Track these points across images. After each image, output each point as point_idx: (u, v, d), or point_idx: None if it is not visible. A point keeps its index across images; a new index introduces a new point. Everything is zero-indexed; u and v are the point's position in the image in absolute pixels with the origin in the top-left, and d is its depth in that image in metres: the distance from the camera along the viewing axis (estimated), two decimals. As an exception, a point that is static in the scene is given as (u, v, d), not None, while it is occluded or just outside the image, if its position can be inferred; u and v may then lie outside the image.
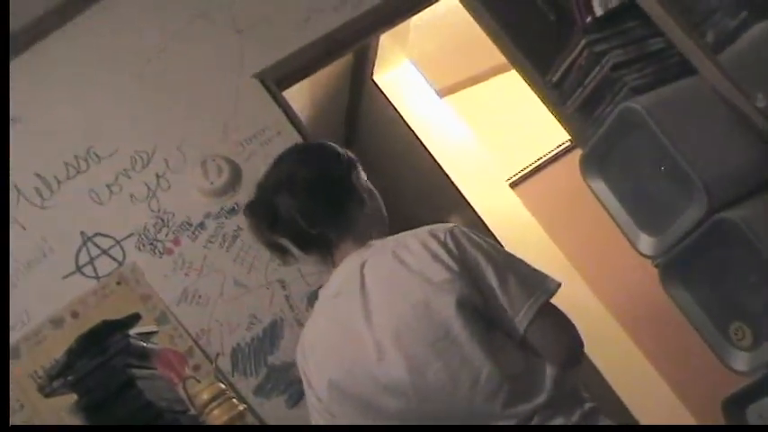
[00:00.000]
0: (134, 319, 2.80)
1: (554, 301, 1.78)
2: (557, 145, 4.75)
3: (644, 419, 3.89)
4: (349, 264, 1.89)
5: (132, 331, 2.74)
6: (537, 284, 1.77)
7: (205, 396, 2.78)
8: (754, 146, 2.49)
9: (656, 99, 2.58)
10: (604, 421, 1.69)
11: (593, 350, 4.05)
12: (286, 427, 3.32)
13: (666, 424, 3.92)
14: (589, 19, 2.77)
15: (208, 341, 3.45)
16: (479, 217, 4.46)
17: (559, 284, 1.78)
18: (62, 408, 2.69)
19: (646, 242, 2.69)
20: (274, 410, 3.38)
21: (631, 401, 3.98)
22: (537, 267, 1.82)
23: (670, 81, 2.67)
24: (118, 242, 3.52)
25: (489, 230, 4.32)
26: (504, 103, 5.17)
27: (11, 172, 3.41)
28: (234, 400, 2.85)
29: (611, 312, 4.35)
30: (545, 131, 4.28)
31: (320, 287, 2.01)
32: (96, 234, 3.52)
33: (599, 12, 2.73)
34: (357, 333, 1.80)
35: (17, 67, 3.47)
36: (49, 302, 3.43)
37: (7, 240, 3.33)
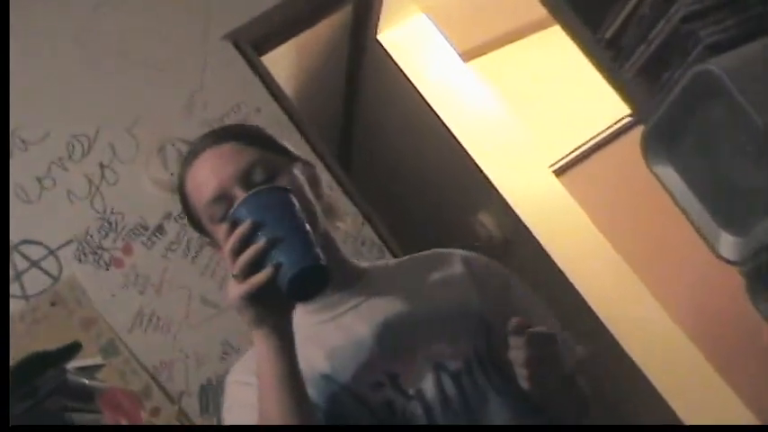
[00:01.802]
0: (73, 349, 2.79)
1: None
2: (612, 121, 4.72)
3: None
4: None
5: (71, 365, 2.73)
6: None
7: (165, 449, 2.77)
8: None
9: (740, 60, 2.55)
10: None
11: (652, 357, 4.14)
12: (284, 427, 3.32)
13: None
14: (652, -43, 2.74)
15: (170, 377, 3.47)
16: (515, 213, 4.44)
17: None
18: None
19: (728, 244, 2.65)
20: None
21: (693, 411, 4.02)
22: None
23: (756, 37, 2.63)
24: (52, 252, 3.53)
25: (528, 230, 4.31)
26: (545, 68, 5.16)
27: None
28: (202, 452, 2.85)
29: (677, 322, 4.35)
30: (597, 104, 4.24)
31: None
32: (23, 241, 3.52)
33: (664, -52, 2.71)
34: None
35: None
36: (-35, 329, 3.43)
37: (7, 240, 3.40)
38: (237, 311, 1.65)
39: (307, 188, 1.83)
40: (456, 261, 1.96)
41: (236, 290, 1.61)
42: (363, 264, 1.99)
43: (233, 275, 1.61)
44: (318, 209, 1.85)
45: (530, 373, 1.66)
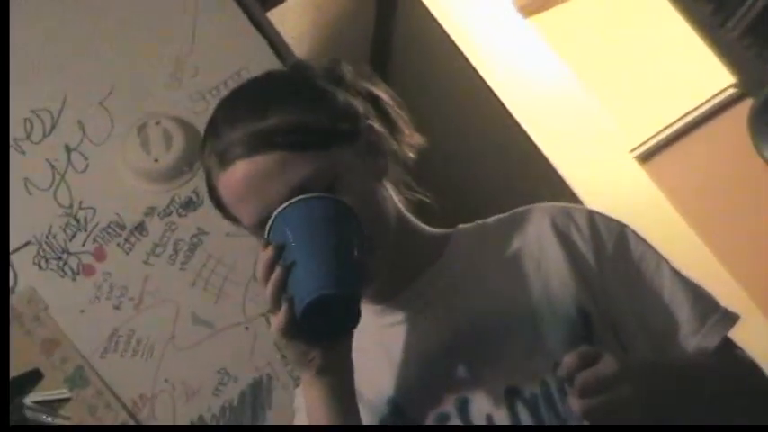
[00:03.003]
0: (33, 379, 2.81)
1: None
2: (711, 94, 4.70)
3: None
4: None
5: (29, 399, 2.74)
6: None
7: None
8: None
9: None
10: None
11: None
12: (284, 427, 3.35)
13: None
14: None
15: (151, 413, 3.47)
16: (585, 206, 4.44)
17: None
18: None
19: None
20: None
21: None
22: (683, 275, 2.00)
23: None
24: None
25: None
26: (621, 27, 5.14)
27: None
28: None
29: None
30: (691, 72, 4.23)
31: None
32: (-32, 243, 3.54)
33: None
34: None
35: None
36: None
37: (7, 237, 3.46)
38: (279, 350, 1.71)
39: (370, 180, 1.85)
40: (548, 233, 1.93)
41: (272, 325, 1.66)
42: (445, 230, 2.01)
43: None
44: (385, 192, 1.88)
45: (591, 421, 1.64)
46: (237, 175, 1.73)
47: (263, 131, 1.72)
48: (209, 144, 1.80)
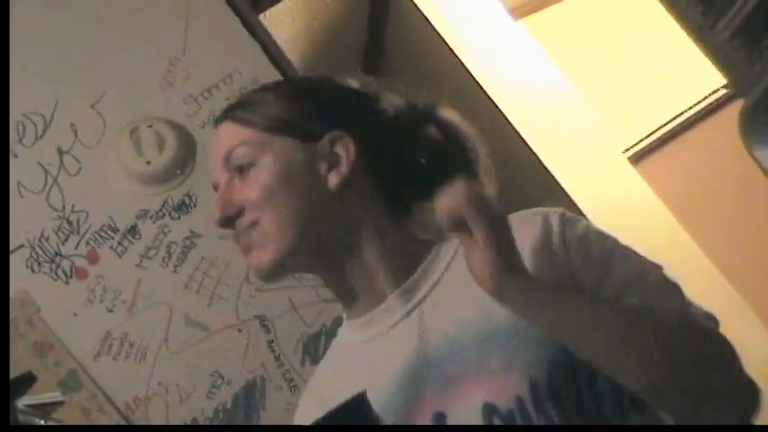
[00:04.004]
0: (25, 382, 2.81)
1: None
2: (702, 96, 4.73)
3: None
4: None
5: (22, 402, 2.74)
6: None
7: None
8: None
9: None
10: None
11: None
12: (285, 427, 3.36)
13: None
14: None
15: (145, 416, 3.47)
16: (581, 209, 4.44)
17: None
18: None
19: None
20: None
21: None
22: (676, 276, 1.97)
23: None
24: (-2, 259, 3.52)
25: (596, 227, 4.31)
26: (613, 29, 5.16)
27: None
28: None
29: None
30: (682, 75, 4.25)
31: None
32: (-39, 246, 3.53)
33: None
34: None
35: None
36: None
37: (7, 238, 3.45)
38: None
39: (308, 176, 1.92)
40: (528, 241, 1.90)
41: None
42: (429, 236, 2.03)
43: None
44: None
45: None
46: (219, 132, 1.98)
47: (246, 107, 1.96)
48: None
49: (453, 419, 1.78)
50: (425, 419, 1.80)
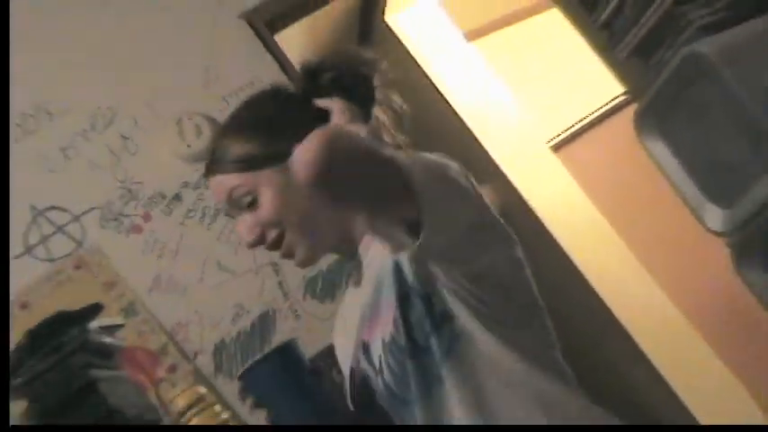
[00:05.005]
0: (95, 310, 2.80)
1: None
2: (608, 99, 4.72)
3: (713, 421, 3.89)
4: None
5: (93, 325, 2.74)
6: None
7: (181, 402, 2.77)
8: None
9: (729, 41, 2.55)
10: None
11: (654, 344, 4.08)
12: (284, 427, 3.34)
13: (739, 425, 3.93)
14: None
15: (185, 337, 3.48)
16: (514, 186, 4.44)
17: None
18: (13, 416, 2.68)
19: (714, 215, 2.66)
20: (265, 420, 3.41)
21: (698, 402, 3.98)
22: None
23: (745, 19, 2.63)
24: (76, 218, 3.53)
25: (526, 202, 4.31)
26: (544, 49, 5.13)
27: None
28: (217, 407, 2.84)
29: (674, 301, 4.33)
30: (593, 83, 4.24)
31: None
32: (50, 208, 3.52)
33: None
34: None
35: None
36: (-8, 290, 3.45)
37: (7, 238, 3.37)
38: None
39: (295, 189, 1.82)
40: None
41: None
42: None
43: None
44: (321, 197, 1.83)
45: None
46: (212, 185, 1.92)
47: (219, 160, 1.88)
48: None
49: (373, 347, 1.80)
50: (358, 348, 1.84)
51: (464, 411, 1.69)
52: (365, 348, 1.82)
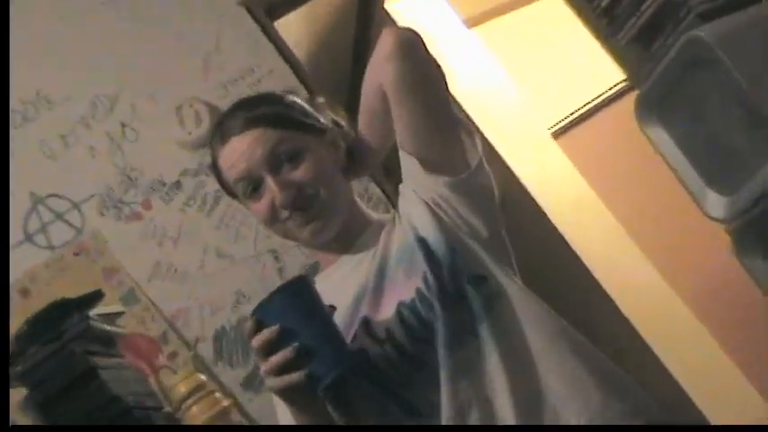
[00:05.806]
0: (96, 297, 2.81)
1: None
2: (608, 86, 4.71)
3: (709, 405, 3.90)
4: None
5: (93, 312, 2.75)
6: None
7: (182, 389, 2.79)
8: None
9: (729, 27, 2.55)
10: None
11: (652, 328, 4.09)
12: (284, 427, 3.34)
13: (734, 412, 3.93)
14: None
15: (186, 323, 3.48)
16: (514, 173, 4.44)
17: None
18: (12, 405, 2.69)
19: (715, 202, 2.67)
20: (266, 407, 3.40)
21: (694, 386, 3.98)
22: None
23: (745, 5, 2.63)
24: (75, 205, 3.53)
25: (526, 189, 4.31)
26: (544, 35, 5.12)
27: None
28: (217, 394, 2.87)
29: (674, 287, 4.33)
30: (594, 70, 4.24)
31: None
32: (49, 195, 3.53)
33: None
34: None
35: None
36: (-8, 278, 3.45)
37: (7, 225, 3.38)
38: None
39: (331, 161, 1.91)
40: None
41: (269, 382, 1.67)
42: (375, 216, 2.02)
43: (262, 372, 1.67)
44: (343, 180, 1.93)
45: None
46: (232, 146, 1.85)
47: (253, 116, 1.86)
48: (216, 134, 1.91)
49: (375, 321, 1.81)
50: (355, 326, 1.83)
51: (503, 368, 1.74)
52: (365, 324, 1.83)
